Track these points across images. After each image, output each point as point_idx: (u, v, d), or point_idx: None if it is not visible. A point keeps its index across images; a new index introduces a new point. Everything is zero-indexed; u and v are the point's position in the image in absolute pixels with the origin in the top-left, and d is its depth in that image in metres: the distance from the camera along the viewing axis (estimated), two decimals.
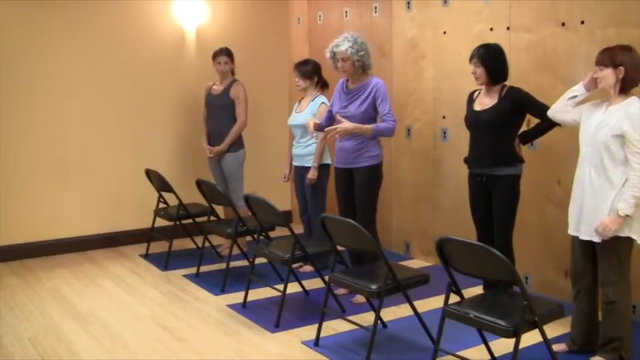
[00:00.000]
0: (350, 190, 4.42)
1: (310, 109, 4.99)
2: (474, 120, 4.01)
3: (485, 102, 3.98)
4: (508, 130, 3.92)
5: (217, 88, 5.55)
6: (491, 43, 4.01)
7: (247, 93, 5.50)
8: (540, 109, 3.89)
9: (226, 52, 5.49)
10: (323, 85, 5.15)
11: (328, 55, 4.35)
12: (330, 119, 4.49)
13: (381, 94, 4.25)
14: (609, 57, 3.22)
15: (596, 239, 3.23)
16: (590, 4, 4.06)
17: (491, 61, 3.91)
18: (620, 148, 3.16)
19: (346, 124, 4.18)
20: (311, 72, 5.03)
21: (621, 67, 3.19)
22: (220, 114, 5.50)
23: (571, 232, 3.40)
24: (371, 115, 4.30)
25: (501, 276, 2.98)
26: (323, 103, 4.95)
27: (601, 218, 3.19)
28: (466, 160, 4.12)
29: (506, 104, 3.88)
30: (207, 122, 5.63)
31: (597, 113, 3.31)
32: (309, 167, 4.98)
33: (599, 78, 3.27)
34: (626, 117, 3.15)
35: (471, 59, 3.97)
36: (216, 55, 5.50)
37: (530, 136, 4.01)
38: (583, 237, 3.31)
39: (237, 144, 5.52)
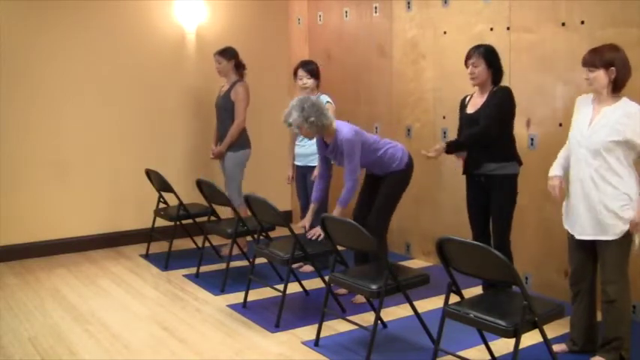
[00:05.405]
0: (373, 192, 4.36)
1: None
2: (468, 122, 3.98)
3: (477, 102, 3.97)
4: (501, 129, 3.90)
5: (223, 90, 5.53)
6: (486, 44, 3.99)
7: (249, 92, 5.44)
8: (486, 118, 3.82)
9: (218, 52, 5.43)
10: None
11: (286, 125, 4.16)
12: (325, 160, 4.40)
13: (345, 150, 4.10)
14: (599, 58, 3.19)
15: (610, 237, 3.20)
16: (590, 4, 4.05)
17: (495, 60, 3.90)
18: (624, 150, 3.16)
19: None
20: (316, 71, 5.02)
21: (613, 68, 3.17)
22: (223, 116, 5.49)
23: (574, 234, 3.37)
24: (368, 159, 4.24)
25: (501, 276, 2.98)
26: (328, 102, 4.89)
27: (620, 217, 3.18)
28: (464, 165, 4.12)
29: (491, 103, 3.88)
30: (216, 124, 5.63)
31: (588, 111, 3.29)
32: (312, 167, 4.96)
33: (590, 80, 3.24)
34: (627, 122, 3.13)
35: (468, 59, 3.94)
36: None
37: (455, 146, 3.93)
38: (592, 237, 3.27)
39: (239, 144, 5.46)
